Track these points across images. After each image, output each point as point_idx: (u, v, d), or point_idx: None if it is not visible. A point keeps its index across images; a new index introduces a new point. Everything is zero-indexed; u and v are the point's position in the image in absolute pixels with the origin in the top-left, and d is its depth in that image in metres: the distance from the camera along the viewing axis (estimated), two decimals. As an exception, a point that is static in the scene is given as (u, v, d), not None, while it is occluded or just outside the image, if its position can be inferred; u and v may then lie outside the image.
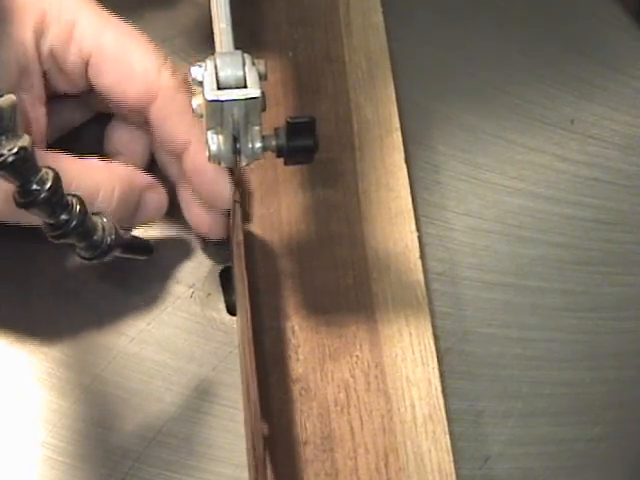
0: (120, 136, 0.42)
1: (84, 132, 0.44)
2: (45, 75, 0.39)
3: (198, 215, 0.41)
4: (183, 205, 0.42)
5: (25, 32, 0.37)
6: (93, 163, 0.39)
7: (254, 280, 0.41)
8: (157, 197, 0.41)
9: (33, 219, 0.32)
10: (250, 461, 0.37)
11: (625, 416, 0.43)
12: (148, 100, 0.39)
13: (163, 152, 0.42)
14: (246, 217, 0.42)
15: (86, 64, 0.39)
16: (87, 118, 0.43)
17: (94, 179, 0.38)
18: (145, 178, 0.41)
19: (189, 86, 0.39)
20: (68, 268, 0.42)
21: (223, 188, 0.40)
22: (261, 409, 0.35)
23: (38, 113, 0.39)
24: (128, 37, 0.39)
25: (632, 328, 0.45)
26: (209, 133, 0.34)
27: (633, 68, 0.52)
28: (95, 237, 0.35)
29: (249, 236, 0.42)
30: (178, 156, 0.40)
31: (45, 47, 0.38)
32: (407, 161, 0.45)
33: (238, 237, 0.38)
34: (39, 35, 0.38)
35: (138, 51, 0.38)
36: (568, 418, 0.42)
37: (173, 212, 0.42)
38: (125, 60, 0.38)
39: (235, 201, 0.39)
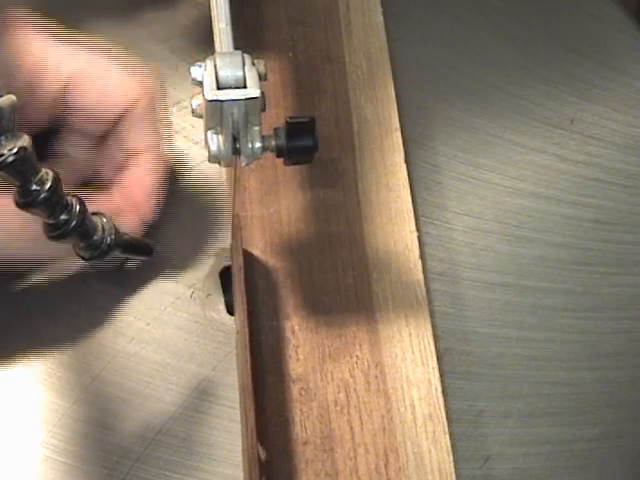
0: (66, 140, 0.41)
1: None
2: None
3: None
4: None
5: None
6: None
7: (254, 280, 0.41)
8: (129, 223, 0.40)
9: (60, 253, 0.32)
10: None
11: (625, 416, 0.43)
12: (127, 107, 0.39)
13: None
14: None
15: (63, 89, 0.38)
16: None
17: None
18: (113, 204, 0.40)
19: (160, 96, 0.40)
20: (68, 268, 0.42)
21: (150, 203, 0.40)
22: (258, 435, 0.35)
23: None
24: (102, 57, 0.38)
25: (632, 328, 0.45)
26: (209, 133, 0.34)
27: (633, 68, 0.52)
28: (95, 237, 0.35)
29: (249, 236, 0.42)
30: (120, 168, 0.40)
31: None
32: (407, 161, 0.45)
33: (239, 262, 0.38)
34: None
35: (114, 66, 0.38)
36: (568, 418, 0.42)
37: (173, 213, 0.42)
38: (103, 75, 0.38)
39: (234, 225, 0.39)
